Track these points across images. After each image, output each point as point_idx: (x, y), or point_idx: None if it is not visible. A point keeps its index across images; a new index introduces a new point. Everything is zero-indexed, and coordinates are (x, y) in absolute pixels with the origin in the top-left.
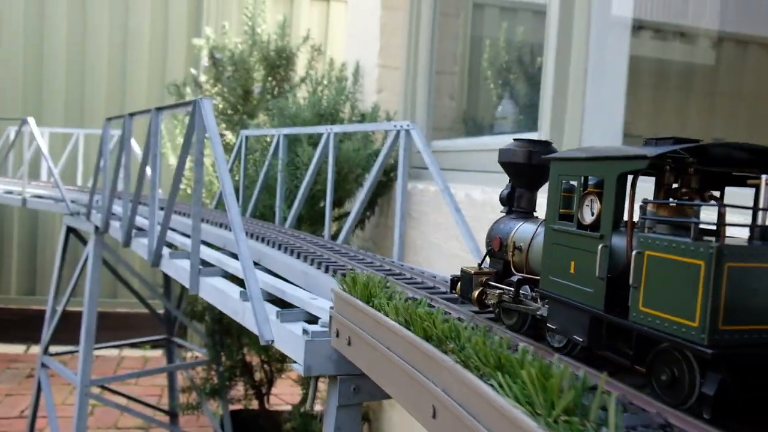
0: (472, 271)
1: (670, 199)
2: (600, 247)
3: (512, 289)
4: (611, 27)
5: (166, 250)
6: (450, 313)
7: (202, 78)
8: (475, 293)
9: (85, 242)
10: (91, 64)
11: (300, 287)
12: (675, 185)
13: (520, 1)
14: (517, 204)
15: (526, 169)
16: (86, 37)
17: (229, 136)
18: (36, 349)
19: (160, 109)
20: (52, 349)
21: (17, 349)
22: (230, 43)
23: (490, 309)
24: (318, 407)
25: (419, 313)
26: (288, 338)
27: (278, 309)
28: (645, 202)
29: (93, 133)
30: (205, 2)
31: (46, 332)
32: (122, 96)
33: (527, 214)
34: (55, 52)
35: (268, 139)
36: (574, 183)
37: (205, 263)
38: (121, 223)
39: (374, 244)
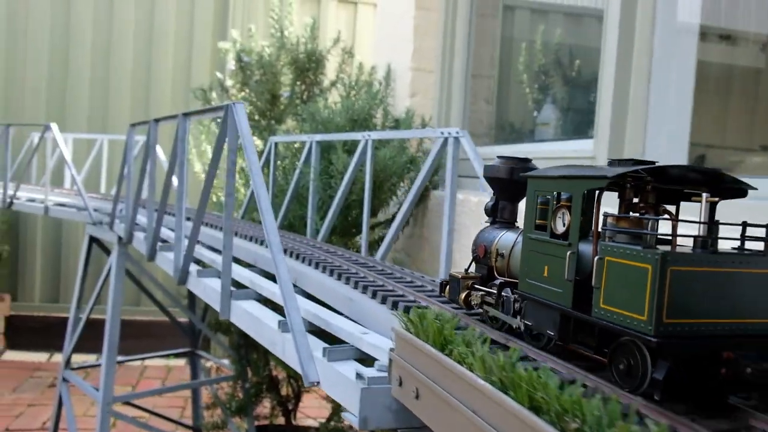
0: (460, 276)
1: (630, 213)
2: (569, 253)
3: (495, 291)
4: (677, 33)
5: (193, 267)
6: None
7: (228, 82)
8: (462, 295)
9: (108, 252)
10: (116, 69)
11: (345, 316)
12: (635, 200)
13: (560, 3)
14: (500, 215)
15: (509, 184)
16: (111, 41)
17: (257, 142)
18: (58, 357)
19: (187, 114)
20: (75, 358)
21: (40, 357)
22: (257, 46)
23: (475, 310)
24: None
25: (521, 376)
26: (337, 381)
27: (324, 345)
28: (606, 215)
29: (117, 139)
30: (231, 5)
31: (68, 345)
32: (146, 101)
33: (509, 224)
34: (80, 56)
35: (297, 146)
36: (548, 197)
37: (236, 284)
38: (146, 235)
39: (408, 256)
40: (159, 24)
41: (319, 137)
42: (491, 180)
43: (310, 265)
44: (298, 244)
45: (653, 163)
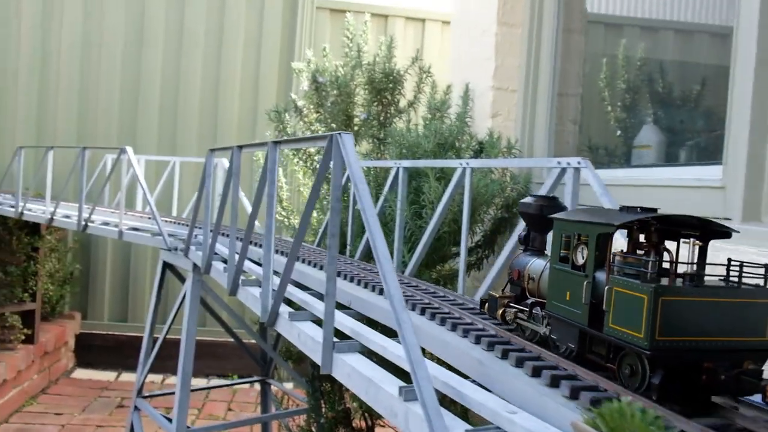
0: (497, 295)
1: (636, 250)
2: (585, 282)
3: (527, 309)
4: None
5: (284, 308)
6: None
7: (301, 103)
8: (500, 312)
9: (182, 279)
10: (184, 92)
11: (474, 381)
12: (642, 238)
13: (655, 18)
14: (531, 244)
15: (539, 219)
16: (180, 65)
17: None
18: (126, 377)
19: (278, 143)
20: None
21: (108, 375)
22: (331, 66)
23: (510, 324)
24: None
25: None
26: None
27: (465, 426)
28: (614, 254)
29: (188, 161)
30: (299, 27)
31: (140, 374)
32: (214, 123)
33: (539, 251)
34: (150, 80)
35: (373, 171)
36: (570, 236)
37: (337, 332)
38: (227, 267)
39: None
40: (227, 48)
41: (407, 163)
42: (524, 214)
43: (415, 310)
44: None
45: (656, 210)
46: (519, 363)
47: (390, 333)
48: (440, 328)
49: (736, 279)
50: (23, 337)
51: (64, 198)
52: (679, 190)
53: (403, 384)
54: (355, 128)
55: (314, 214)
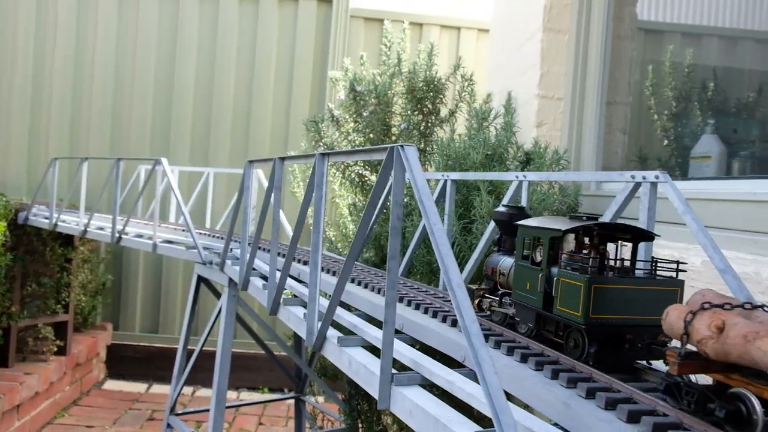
0: (474, 288)
1: (582, 252)
2: (540, 275)
3: (498, 298)
4: None
5: (332, 331)
6: None
7: (336, 112)
8: (476, 301)
9: (216, 294)
10: (217, 103)
11: (559, 427)
12: (586, 240)
13: (701, 24)
14: (503, 245)
15: (508, 225)
16: (213, 76)
17: (371, 177)
18: (157, 389)
19: (327, 155)
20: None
21: (139, 387)
22: (368, 74)
23: (485, 311)
24: None
25: None
26: None
27: None
28: (562, 252)
29: (222, 172)
30: (332, 38)
31: (174, 391)
32: (246, 134)
33: (509, 251)
34: (183, 92)
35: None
36: (531, 239)
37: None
38: (266, 285)
39: None
40: (260, 59)
41: (456, 175)
42: (497, 221)
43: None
44: (437, 300)
45: (597, 218)
46: (632, 418)
47: (449, 361)
48: (517, 363)
49: (665, 272)
50: (56, 349)
51: (97, 209)
52: (753, 205)
53: (478, 429)
54: (394, 138)
55: (350, 226)
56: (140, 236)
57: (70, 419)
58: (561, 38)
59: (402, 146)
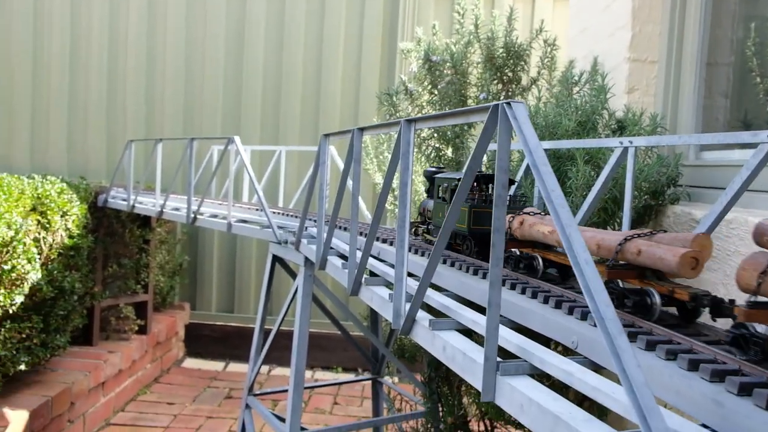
0: (412, 221)
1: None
2: (446, 207)
3: (426, 226)
4: None
5: (421, 313)
6: None
7: (410, 85)
8: (413, 230)
9: (291, 273)
10: (286, 81)
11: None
12: (475, 184)
13: None
14: (431, 194)
15: (432, 180)
16: (282, 55)
17: (448, 152)
18: (234, 367)
19: (412, 121)
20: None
21: (216, 365)
22: (441, 44)
23: (418, 236)
24: None
25: None
26: None
27: None
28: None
29: (294, 149)
30: (401, 12)
31: (251, 372)
32: (316, 111)
33: (432, 197)
34: (252, 71)
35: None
36: (442, 186)
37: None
38: (346, 264)
39: None
40: (328, 34)
41: (548, 144)
42: (427, 177)
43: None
44: (531, 279)
45: (483, 172)
46: None
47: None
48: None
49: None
50: (137, 328)
51: (173, 190)
52: None
53: (610, 429)
54: None
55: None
56: (215, 216)
57: (152, 396)
58: None
59: (509, 103)
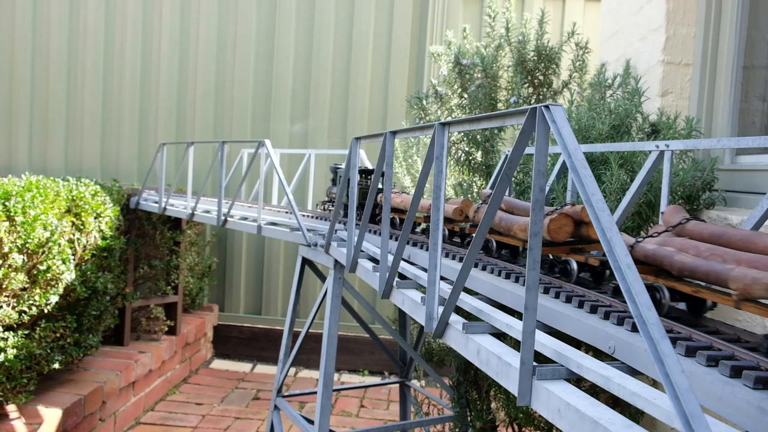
0: (322, 201)
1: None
2: (338, 187)
3: (329, 203)
4: None
5: (454, 316)
6: None
7: (440, 89)
8: (321, 207)
9: (321, 276)
10: (315, 86)
11: None
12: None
13: None
14: (335, 182)
15: (335, 172)
16: (311, 60)
17: (477, 157)
18: (262, 368)
19: (446, 124)
20: (275, 369)
21: (244, 367)
22: (472, 47)
23: (325, 211)
24: None
25: None
26: None
27: None
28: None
29: (323, 153)
30: (430, 16)
31: (280, 374)
32: (345, 115)
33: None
34: (282, 76)
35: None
36: (337, 175)
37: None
38: (377, 268)
39: None
40: (357, 38)
41: (584, 148)
42: (333, 170)
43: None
44: (564, 284)
45: (366, 167)
46: None
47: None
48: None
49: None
50: (167, 329)
51: (203, 193)
52: None
53: None
54: None
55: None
56: (245, 219)
57: (181, 396)
58: None
59: (547, 106)
